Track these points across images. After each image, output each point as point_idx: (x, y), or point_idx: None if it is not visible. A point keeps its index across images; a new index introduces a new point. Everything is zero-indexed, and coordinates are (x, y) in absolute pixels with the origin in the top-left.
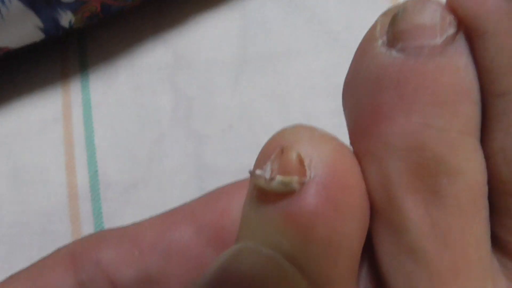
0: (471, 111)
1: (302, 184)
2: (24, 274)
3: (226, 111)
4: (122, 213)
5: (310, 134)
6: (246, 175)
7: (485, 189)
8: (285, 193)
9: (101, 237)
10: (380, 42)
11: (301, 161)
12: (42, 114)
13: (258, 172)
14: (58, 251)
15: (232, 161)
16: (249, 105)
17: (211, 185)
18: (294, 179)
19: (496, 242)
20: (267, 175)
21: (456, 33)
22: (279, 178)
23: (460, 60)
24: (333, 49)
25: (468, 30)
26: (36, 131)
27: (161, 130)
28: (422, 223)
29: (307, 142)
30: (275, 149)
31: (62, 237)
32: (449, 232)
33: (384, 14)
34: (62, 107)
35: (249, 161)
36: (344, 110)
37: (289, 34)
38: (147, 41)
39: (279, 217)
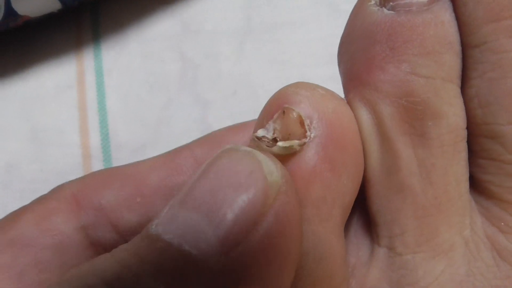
0: (453, 61)
1: (303, 145)
2: (29, 215)
3: (230, 78)
4: None
5: (311, 93)
6: None
7: (464, 132)
8: (288, 156)
9: (103, 178)
10: (372, 1)
11: (301, 123)
12: (57, 80)
13: (260, 132)
14: (62, 190)
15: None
16: (252, 72)
17: None
18: (295, 143)
19: (473, 182)
20: (270, 135)
21: None
22: (280, 143)
23: (444, 15)
24: (333, 19)
25: None
26: (52, 95)
27: (169, 96)
28: (411, 162)
29: (307, 103)
30: (278, 109)
31: None
32: (433, 171)
33: None
34: (76, 74)
35: None
36: (339, 65)
37: (292, 5)
38: (156, 11)
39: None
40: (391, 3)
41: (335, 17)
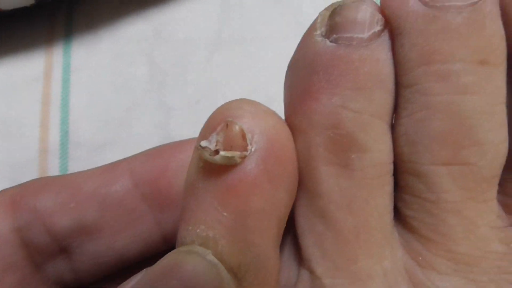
0: (384, 99)
1: (244, 157)
2: None
3: (196, 86)
4: None
5: (254, 109)
6: None
7: (389, 167)
8: (228, 167)
9: (42, 184)
10: (318, 32)
11: (243, 136)
12: (24, 72)
13: (203, 143)
14: (1, 194)
15: (196, 134)
16: (217, 83)
17: None
18: (236, 154)
19: (398, 216)
20: (212, 146)
21: (382, 30)
22: (222, 153)
23: (380, 54)
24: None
25: (391, 29)
26: (18, 88)
27: (134, 99)
28: (332, 191)
29: (250, 117)
30: (221, 122)
31: None
32: (354, 201)
33: (326, 9)
34: (43, 68)
35: None
36: (284, 89)
37: (263, 22)
38: (130, 15)
39: (222, 188)
40: (334, 35)
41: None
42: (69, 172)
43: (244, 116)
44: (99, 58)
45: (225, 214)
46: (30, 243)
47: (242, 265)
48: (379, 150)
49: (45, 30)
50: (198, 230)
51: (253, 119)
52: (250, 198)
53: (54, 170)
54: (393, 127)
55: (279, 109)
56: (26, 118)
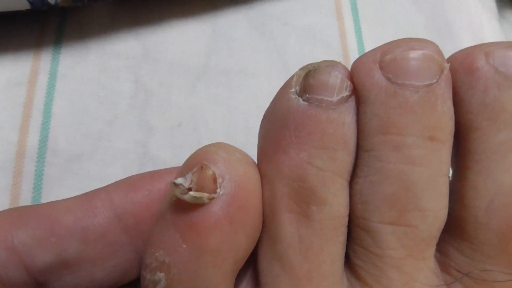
0: (345, 158)
1: (211, 199)
2: None
3: (178, 110)
4: (62, 179)
5: (229, 156)
6: None
7: (345, 220)
8: (196, 205)
9: (17, 216)
10: (293, 90)
11: (214, 180)
12: (10, 75)
13: (179, 180)
14: None
15: (174, 156)
16: (200, 109)
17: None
18: (205, 195)
19: (348, 263)
20: (186, 184)
21: (349, 96)
22: (192, 192)
23: (346, 117)
24: (283, 78)
25: (358, 96)
26: (1, 90)
27: (116, 113)
28: (291, 237)
29: (223, 164)
30: (197, 164)
31: (2, 191)
32: (310, 248)
33: (302, 69)
34: (29, 73)
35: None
36: (259, 135)
37: (249, 56)
38: (122, 31)
39: (186, 223)
40: (307, 95)
41: (285, 76)
42: (44, 178)
43: (218, 162)
44: (86, 69)
45: (184, 246)
46: (6, 282)
47: None
48: (337, 204)
49: (35, 35)
50: (157, 254)
51: (225, 166)
52: (209, 237)
53: (29, 174)
54: (350, 184)
55: (254, 140)
56: (5, 121)
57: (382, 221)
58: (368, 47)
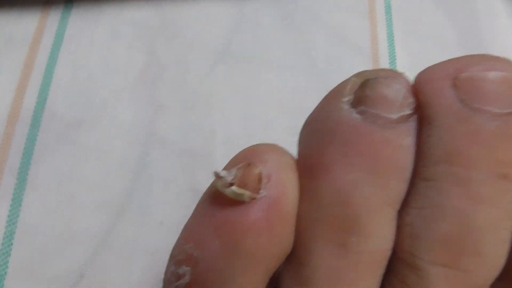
0: (399, 187)
1: (253, 199)
2: None
3: (193, 91)
4: (56, 147)
5: (279, 158)
6: (190, 156)
7: (388, 253)
8: (236, 202)
9: None
10: (346, 99)
11: (259, 179)
12: (14, 31)
13: (222, 173)
14: None
15: (183, 139)
16: (216, 94)
17: (153, 155)
18: (247, 193)
19: None
20: (229, 178)
21: (411, 115)
22: (234, 188)
23: (405, 139)
24: (309, 75)
25: (421, 116)
26: (2, 44)
27: (124, 84)
28: (321, 265)
29: (272, 165)
30: (245, 160)
31: None
32: (343, 281)
33: (358, 75)
34: (34, 31)
35: (197, 146)
36: (299, 144)
37: (274, 46)
38: None
39: (222, 219)
40: (362, 107)
41: (311, 73)
42: (37, 143)
43: (267, 162)
44: (96, 32)
45: (216, 242)
46: None
47: None
48: (382, 236)
49: None
50: (186, 246)
51: (273, 167)
52: (244, 238)
53: (20, 137)
54: (399, 213)
55: (272, 135)
56: (2, 80)
57: (433, 262)
58: (400, 55)
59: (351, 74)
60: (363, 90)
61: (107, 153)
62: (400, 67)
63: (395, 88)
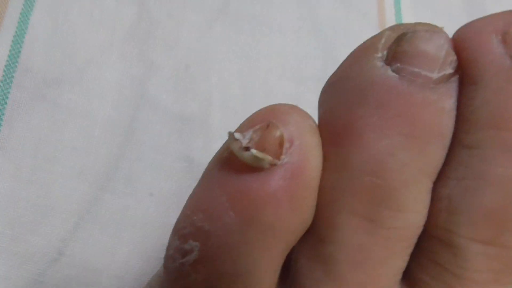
0: (437, 154)
1: (273, 165)
2: None
3: (188, 50)
4: (32, 106)
5: (301, 121)
6: (184, 122)
7: (420, 230)
8: (253, 168)
9: None
10: (379, 55)
11: (281, 143)
12: None
13: (237, 135)
14: None
15: (177, 102)
16: (213, 54)
17: (143, 118)
18: (268, 158)
19: (408, 276)
20: (244, 141)
21: (453, 74)
22: (253, 151)
23: (446, 102)
24: (313, 40)
25: (463, 75)
26: None
27: (111, 40)
28: (347, 242)
29: (294, 128)
30: (263, 121)
31: None
32: (370, 259)
33: (392, 29)
34: None
35: (191, 110)
36: (320, 107)
37: (277, 7)
38: None
39: (238, 187)
40: (398, 65)
41: (315, 38)
42: (9, 102)
43: (289, 124)
44: None
45: (231, 213)
46: None
47: (225, 275)
48: (415, 211)
49: None
50: (194, 218)
51: (296, 130)
52: (263, 209)
53: None
54: (434, 185)
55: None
56: None
57: (473, 238)
58: (407, 20)
59: (357, 42)
60: (399, 45)
61: (90, 115)
62: None
63: (437, 43)
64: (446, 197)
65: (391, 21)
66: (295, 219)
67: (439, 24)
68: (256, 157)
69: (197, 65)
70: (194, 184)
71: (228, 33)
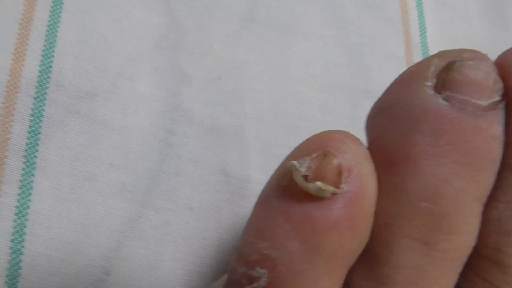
0: (488, 180)
1: (334, 194)
2: None
3: (217, 60)
4: (67, 123)
5: (356, 149)
6: (219, 135)
7: (470, 250)
8: (315, 197)
9: None
10: (429, 83)
11: (339, 173)
12: None
13: (295, 163)
14: None
15: (210, 114)
16: (242, 64)
17: (180, 130)
18: (330, 189)
19: None
20: (302, 169)
21: (500, 101)
22: (318, 183)
23: (496, 129)
24: (340, 45)
25: (509, 101)
26: None
27: (141, 51)
28: (403, 263)
29: (352, 156)
30: (318, 149)
31: None
32: (424, 278)
33: (439, 56)
34: None
35: (225, 122)
36: (369, 132)
37: (301, 12)
38: None
39: (301, 216)
40: (448, 93)
41: (342, 43)
42: (44, 119)
43: (345, 152)
44: None
45: (296, 241)
46: None
47: None
48: (467, 233)
49: None
50: (260, 245)
51: (354, 159)
52: (327, 237)
53: (24, 113)
54: (485, 208)
55: (305, 112)
56: None
57: None
58: (430, 26)
59: (383, 48)
60: (449, 74)
61: (125, 129)
62: (430, 39)
63: (485, 71)
64: (496, 219)
65: (415, 26)
66: (355, 244)
67: (457, 28)
68: (320, 189)
69: (228, 76)
70: (231, 198)
71: (255, 42)
